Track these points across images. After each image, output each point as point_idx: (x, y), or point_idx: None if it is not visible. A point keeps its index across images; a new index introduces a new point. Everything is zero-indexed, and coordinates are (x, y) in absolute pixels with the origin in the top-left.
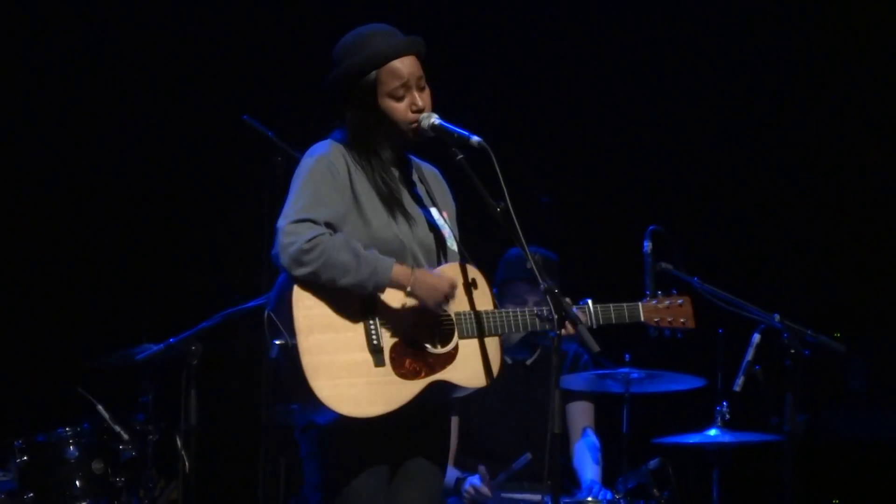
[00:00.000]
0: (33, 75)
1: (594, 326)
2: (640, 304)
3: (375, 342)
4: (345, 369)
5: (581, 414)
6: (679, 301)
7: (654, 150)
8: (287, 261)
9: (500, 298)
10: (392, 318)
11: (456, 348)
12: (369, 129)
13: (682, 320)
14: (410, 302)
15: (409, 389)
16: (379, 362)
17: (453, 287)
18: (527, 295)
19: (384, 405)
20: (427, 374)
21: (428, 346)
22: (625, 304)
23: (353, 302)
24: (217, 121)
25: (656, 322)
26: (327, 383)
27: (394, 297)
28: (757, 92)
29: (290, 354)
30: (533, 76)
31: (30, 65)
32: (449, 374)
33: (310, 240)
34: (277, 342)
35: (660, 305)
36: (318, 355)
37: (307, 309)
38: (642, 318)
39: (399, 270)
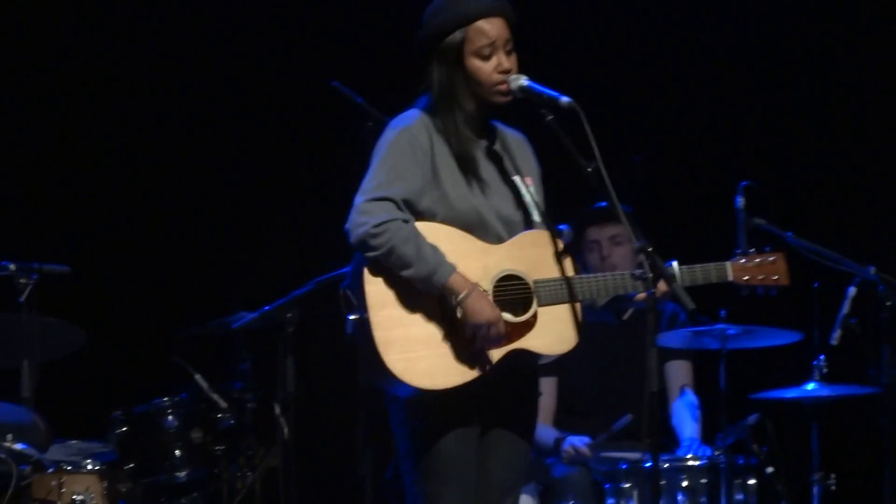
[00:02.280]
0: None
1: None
2: (728, 263)
3: (449, 314)
4: (418, 342)
5: (679, 373)
6: (771, 258)
7: (745, 104)
8: (355, 241)
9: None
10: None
11: (535, 316)
12: (454, 88)
13: (774, 277)
14: (456, 313)
15: (485, 360)
16: (454, 333)
17: (497, 323)
18: (599, 235)
19: (460, 376)
20: (505, 343)
21: (507, 314)
22: (712, 265)
23: None
24: (307, 88)
25: (746, 280)
26: (400, 357)
27: (467, 269)
28: (849, 39)
29: (364, 329)
30: (620, 32)
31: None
32: (527, 342)
33: (378, 224)
34: (352, 317)
35: (749, 264)
36: (390, 329)
37: (378, 284)
38: (731, 278)
39: (458, 279)
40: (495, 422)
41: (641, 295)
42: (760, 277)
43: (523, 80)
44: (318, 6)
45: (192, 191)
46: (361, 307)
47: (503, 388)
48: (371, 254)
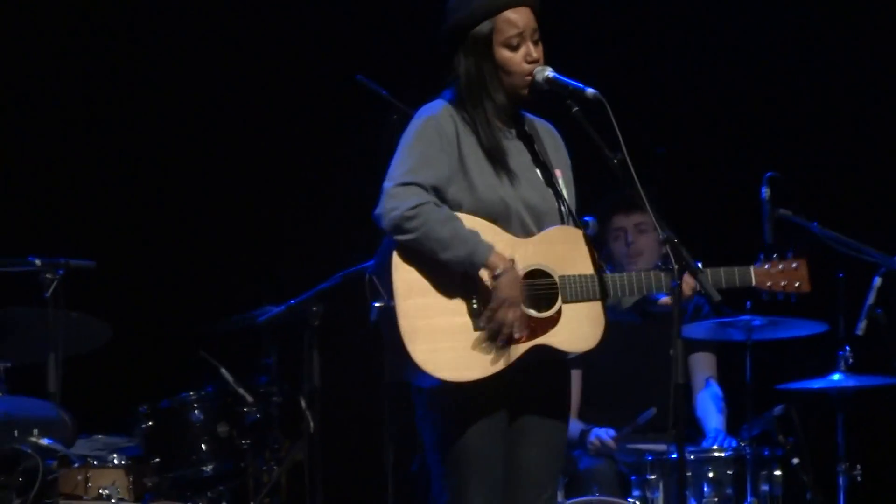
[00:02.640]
0: (140, 44)
1: (702, 292)
2: (751, 268)
3: (475, 306)
4: (443, 333)
5: (703, 365)
6: (794, 265)
7: (769, 94)
8: (388, 225)
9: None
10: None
11: (559, 312)
12: (483, 79)
13: (796, 284)
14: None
15: (508, 354)
16: (479, 326)
17: (517, 305)
18: (624, 223)
19: (482, 370)
20: (528, 339)
21: (531, 310)
22: (735, 269)
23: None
24: (332, 82)
25: (769, 286)
26: (425, 347)
27: None
28: (875, 27)
29: (389, 318)
30: (646, 23)
31: (139, 33)
32: (551, 338)
33: (413, 207)
34: (377, 304)
35: (773, 270)
36: (416, 319)
37: (406, 272)
38: (754, 284)
39: (496, 257)
40: (526, 409)
41: (666, 300)
42: (783, 284)
43: (549, 72)
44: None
45: (218, 185)
46: (388, 295)
47: (534, 377)
48: (405, 236)
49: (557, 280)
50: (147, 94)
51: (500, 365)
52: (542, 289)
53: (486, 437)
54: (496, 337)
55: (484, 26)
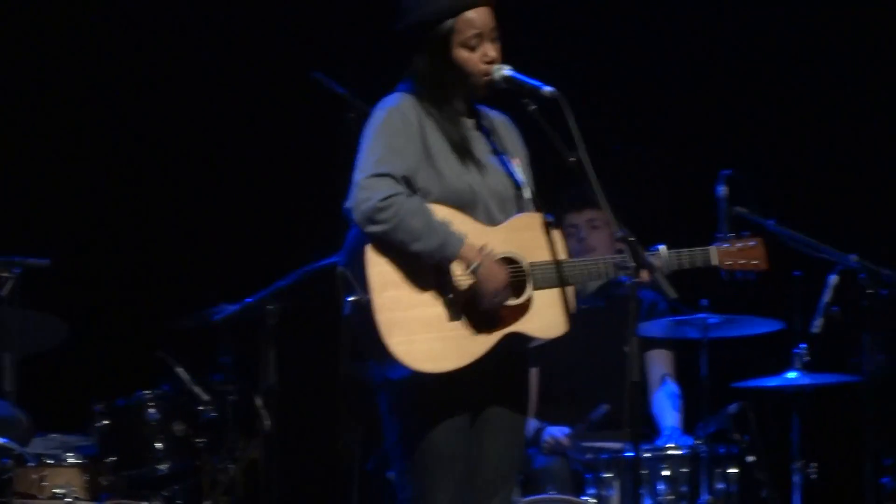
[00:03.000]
0: (97, 40)
1: (666, 272)
2: (712, 248)
3: (450, 296)
4: (419, 325)
5: (659, 362)
6: (751, 243)
7: (725, 92)
8: (360, 217)
9: None
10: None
11: (530, 299)
12: (441, 79)
13: (754, 262)
14: (468, 280)
15: (483, 342)
16: (453, 316)
17: (506, 285)
18: (577, 220)
19: (458, 359)
20: (502, 327)
21: None
22: (698, 249)
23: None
24: (289, 79)
25: (728, 265)
26: (402, 339)
27: None
28: (828, 28)
29: (364, 311)
30: (602, 21)
31: (100, 30)
32: (523, 325)
33: (385, 198)
34: (351, 298)
35: (731, 248)
36: (392, 311)
37: (380, 265)
38: (715, 262)
39: (468, 249)
40: (491, 405)
41: (644, 275)
42: (742, 262)
43: (506, 70)
44: None
45: (173, 183)
46: (362, 288)
47: (495, 374)
48: (377, 228)
49: (526, 267)
50: (101, 91)
51: (476, 354)
52: (511, 276)
53: (452, 433)
54: (484, 318)
55: (443, 26)
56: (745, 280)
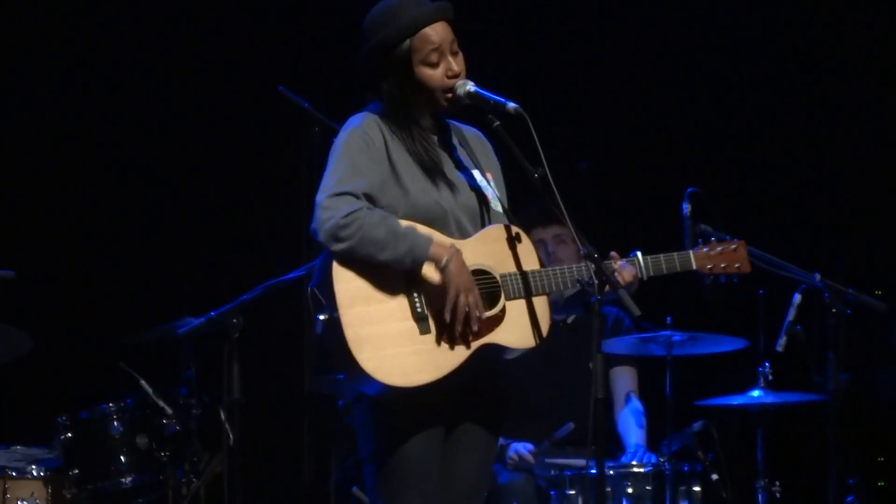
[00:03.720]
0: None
1: (644, 278)
2: (691, 251)
3: (419, 310)
4: (389, 339)
5: (624, 380)
6: (732, 246)
7: (690, 111)
8: (325, 236)
9: None
10: (435, 283)
11: (503, 310)
12: (406, 99)
13: (736, 265)
14: (437, 277)
15: (457, 355)
16: (424, 330)
17: (473, 289)
18: (543, 235)
19: (432, 373)
20: (475, 339)
21: None
22: (675, 254)
23: (395, 272)
24: (254, 92)
25: (709, 269)
26: (372, 355)
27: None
28: (794, 52)
29: (334, 328)
30: (566, 38)
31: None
32: (497, 336)
33: (346, 215)
34: (321, 317)
35: (712, 252)
36: (361, 327)
37: (347, 282)
38: (694, 266)
39: (437, 247)
40: (462, 424)
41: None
42: (723, 265)
43: (470, 86)
44: (266, 12)
45: (137, 196)
46: (331, 306)
47: (470, 389)
48: (342, 245)
49: (499, 278)
50: (66, 102)
51: (450, 367)
52: (484, 288)
53: (426, 448)
54: (456, 325)
55: (402, 47)
56: (728, 284)
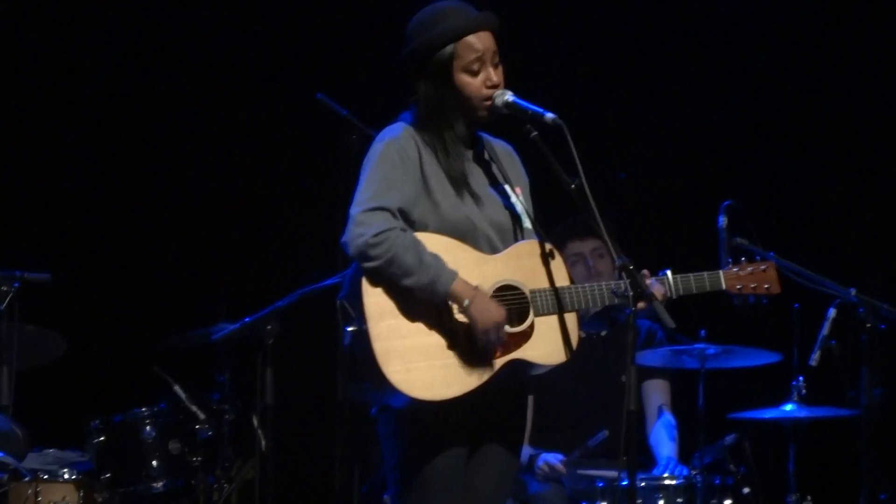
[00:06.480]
0: (108, 59)
1: (674, 297)
2: (720, 272)
3: (448, 324)
4: (418, 353)
5: (657, 392)
6: (762, 267)
7: (728, 124)
8: (354, 252)
9: None
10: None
11: (532, 326)
12: (443, 104)
13: (766, 286)
14: (462, 317)
15: (485, 370)
16: (452, 344)
17: (504, 324)
18: (581, 248)
19: (459, 387)
20: (503, 354)
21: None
22: (705, 273)
23: None
24: (293, 100)
25: (739, 289)
26: (400, 368)
27: (465, 279)
28: (833, 65)
29: (362, 341)
30: (607, 50)
31: (105, 48)
32: (525, 352)
33: (377, 234)
34: (350, 328)
35: (742, 273)
36: (389, 340)
37: (377, 295)
38: (724, 287)
39: (460, 285)
40: (485, 438)
41: (642, 304)
42: (753, 286)
43: (508, 96)
44: (305, 19)
45: (175, 201)
46: (360, 318)
47: (494, 404)
48: (371, 264)
49: (528, 294)
50: (105, 108)
51: (478, 381)
52: (513, 303)
53: (449, 462)
54: (481, 354)
55: (445, 51)
56: (757, 304)
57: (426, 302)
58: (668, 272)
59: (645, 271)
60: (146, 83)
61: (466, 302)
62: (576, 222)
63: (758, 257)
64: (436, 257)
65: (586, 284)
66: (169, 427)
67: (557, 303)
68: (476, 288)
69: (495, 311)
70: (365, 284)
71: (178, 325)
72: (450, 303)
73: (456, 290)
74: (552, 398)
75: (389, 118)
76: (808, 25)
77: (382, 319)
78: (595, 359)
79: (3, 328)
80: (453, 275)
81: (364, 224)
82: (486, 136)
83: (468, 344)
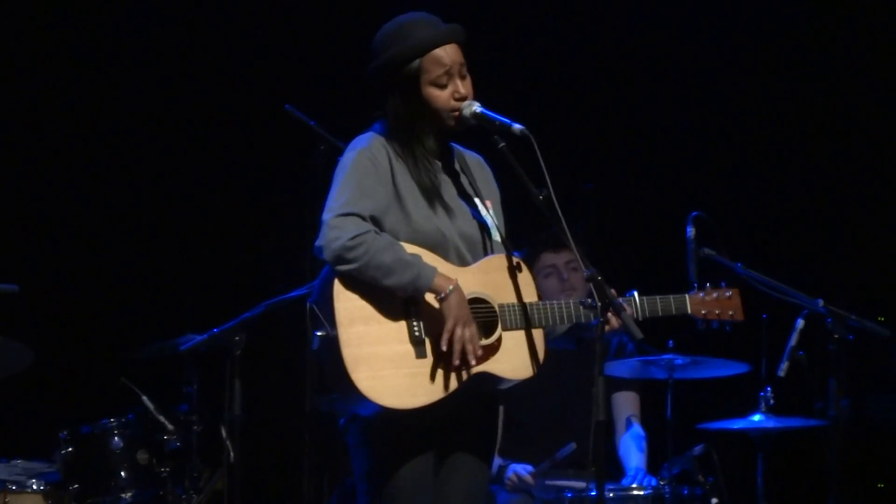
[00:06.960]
0: (72, 66)
1: (640, 318)
2: (687, 296)
3: (417, 333)
4: (386, 361)
5: (626, 404)
6: (728, 293)
7: (695, 135)
8: (330, 256)
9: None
10: (434, 309)
11: (499, 340)
12: (412, 118)
13: (730, 313)
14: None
15: (451, 382)
16: (420, 354)
17: (471, 323)
18: (555, 260)
19: (426, 396)
20: (470, 367)
21: None
22: (671, 297)
23: (395, 295)
24: (260, 111)
25: (704, 315)
26: (368, 375)
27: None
28: (798, 76)
29: (331, 346)
30: (573, 62)
31: (75, 56)
32: (492, 365)
33: (354, 237)
34: (319, 333)
35: (707, 298)
36: (358, 347)
37: (348, 301)
38: (689, 311)
39: (440, 279)
40: (455, 447)
41: (614, 322)
42: (717, 312)
43: (476, 107)
44: (273, 30)
45: (141, 212)
46: (330, 323)
47: (463, 414)
48: (348, 267)
49: (496, 308)
50: (70, 120)
51: (443, 392)
52: (481, 316)
53: (419, 470)
54: (453, 357)
55: (412, 66)
56: (721, 330)
57: (398, 307)
58: (636, 293)
59: (611, 291)
60: (112, 96)
61: (446, 292)
62: (549, 234)
63: (722, 266)
64: (415, 254)
65: (554, 301)
66: (137, 438)
67: (524, 318)
68: (455, 281)
69: (466, 308)
70: (336, 290)
71: (145, 336)
72: (426, 297)
73: (437, 284)
74: (522, 409)
75: (357, 129)
76: (773, 38)
77: (353, 325)
78: (565, 371)
79: None
80: (433, 269)
81: (339, 228)
82: (458, 147)
83: (436, 354)
